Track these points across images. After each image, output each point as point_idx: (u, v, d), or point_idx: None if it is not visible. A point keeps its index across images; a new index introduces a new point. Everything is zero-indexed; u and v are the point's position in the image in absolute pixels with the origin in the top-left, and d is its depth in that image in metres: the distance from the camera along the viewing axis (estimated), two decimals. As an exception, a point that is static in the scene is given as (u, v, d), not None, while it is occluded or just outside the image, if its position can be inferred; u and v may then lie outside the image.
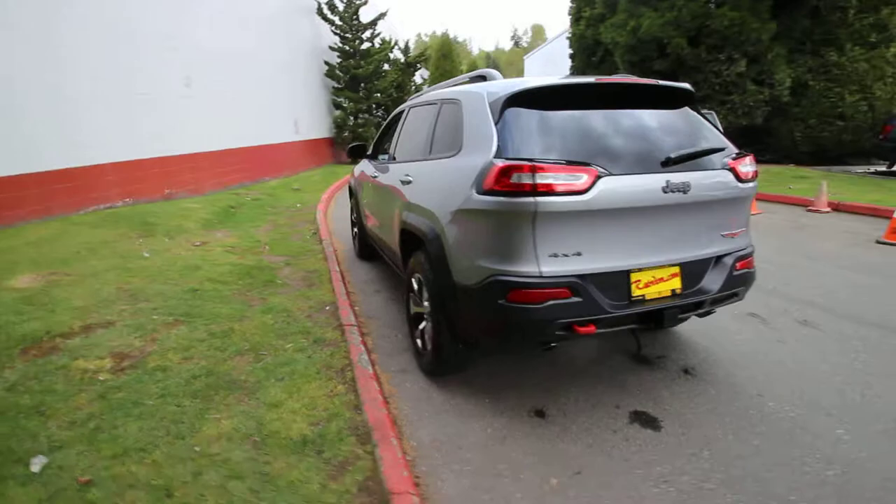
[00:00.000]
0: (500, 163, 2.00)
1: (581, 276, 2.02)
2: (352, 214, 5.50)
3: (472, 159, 2.20)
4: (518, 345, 2.59)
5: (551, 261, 1.99)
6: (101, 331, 3.05)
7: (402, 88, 19.06)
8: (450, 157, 2.45)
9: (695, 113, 2.53)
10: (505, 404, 2.50)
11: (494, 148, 2.08)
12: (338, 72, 15.06)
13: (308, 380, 2.63)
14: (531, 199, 1.93)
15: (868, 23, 10.07)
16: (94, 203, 6.75)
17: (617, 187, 2.01)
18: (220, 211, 7.50)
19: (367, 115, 15.75)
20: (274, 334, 3.18)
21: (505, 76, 2.70)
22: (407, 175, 2.95)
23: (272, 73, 12.06)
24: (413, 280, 2.84)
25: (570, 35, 15.29)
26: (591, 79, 2.27)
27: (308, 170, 13.89)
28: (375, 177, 3.85)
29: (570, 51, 12.81)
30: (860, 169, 10.77)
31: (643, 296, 2.16)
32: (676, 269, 2.24)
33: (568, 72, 11.78)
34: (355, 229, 5.38)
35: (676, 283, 2.25)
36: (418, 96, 3.90)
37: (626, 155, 2.13)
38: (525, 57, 37.65)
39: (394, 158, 3.59)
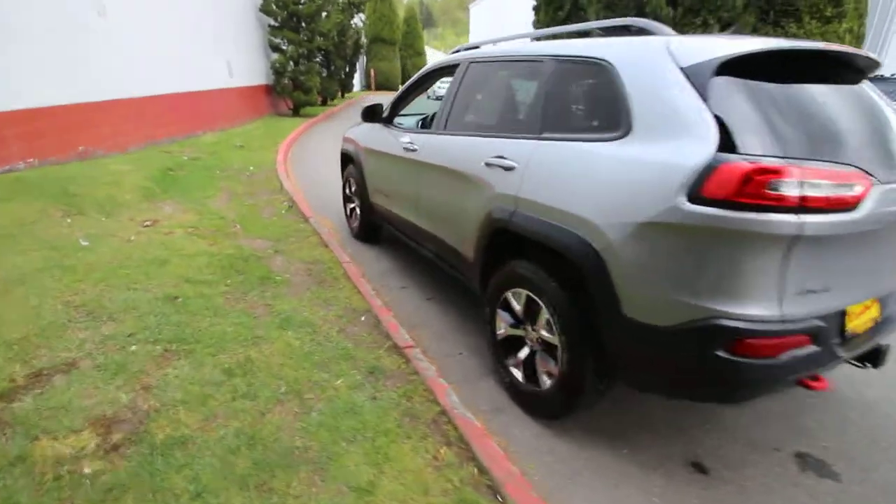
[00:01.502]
0: (742, 162, 1.39)
1: (824, 318, 1.52)
2: (345, 188, 4.59)
3: (665, 150, 1.56)
4: (725, 401, 2.02)
5: (797, 300, 1.46)
6: (60, 379, 2.08)
7: (344, 33, 17.18)
8: (605, 141, 1.77)
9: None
10: (649, 455, 2.01)
11: (714, 137, 1.46)
12: (274, 6, 13.01)
13: (392, 439, 1.94)
14: (794, 217, 1.36)
15: (824, -5, 10.33)
16: (-17, 165, 5.13)
17: (888, 198, 1.50)
18: (158, 175, 6.11)
19: (307, 62, 13.96)
20: (309, 363, 2.41)
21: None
22: (501, 157, 2.22)
23: (201, 5, 10.04)
24: (512, 297, 2.20)
25: (530, -15, 14.38)
26: (818, 44, 1.69)
27: (246, 122, 12.12)
28: (411, 149, 3.04)
29: (535, 2, 11.96)
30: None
31: (854, 330, 1.72)
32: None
33: (531, 28, 11.02)
34: (351, 205, 4.51)
35: (875, 312, 1.83)
36: (464, 50, 3.08)
37: (875, 152, 1.61)
38: (470, 5, 35.63)
39: (445, 128, 2.80)
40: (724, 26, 10.21)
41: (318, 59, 15.13)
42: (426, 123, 3.87)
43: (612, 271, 1.67)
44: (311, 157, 8.79)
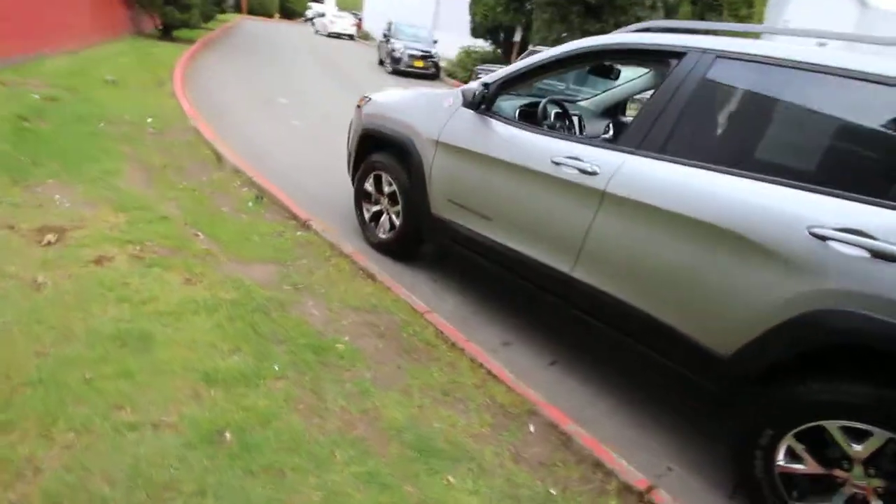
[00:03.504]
0: None
1: None
2: (362, 182, 3.29)
3: None
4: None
5: None
6: None
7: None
8: None
9: None
10: None
11: None
12: None
13: None
14: None
15: (739, -4, 11.14)
16: None
17: None
18: (9, 131, 3.85)
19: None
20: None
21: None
22: (866, 235, 1.43)
23: None
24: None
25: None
26: None
27: (100, 44, 8.86)
28: (585, 171, 2.03)
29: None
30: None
31: None
32: None
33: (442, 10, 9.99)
34: (374, 208, 3.27)
35: None
36: (662, 32, 2.12)
37: None
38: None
39: (676, 153, 1.85)
40: (668, 13, 10.38)
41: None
42: (548, 116, 2.74)
43: None
44: (226, 105, 6.68)
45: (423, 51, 13.24)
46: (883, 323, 1.41)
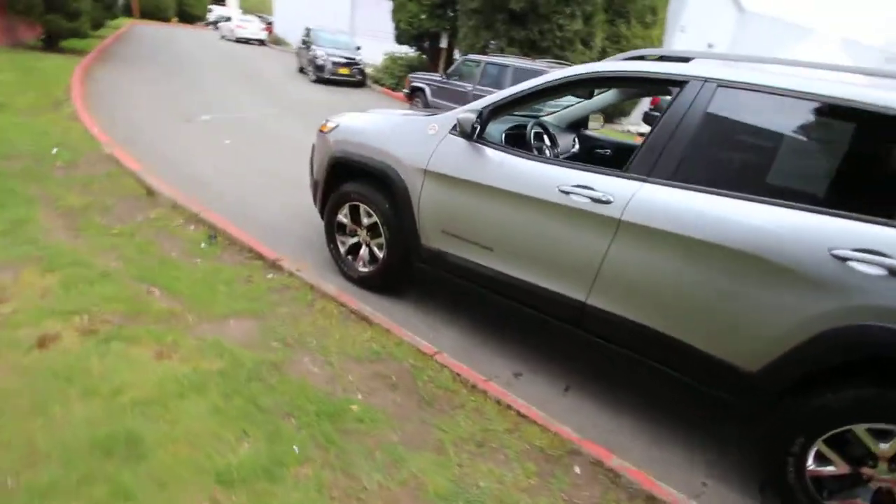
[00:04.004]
0: None
1: None
2: (334, 213, 3.05)
3: None
4: None
5: None
6: None
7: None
8: None
9: None
10: None
11: None
12: None
13: None
14: None
15: (645, 4, 11.98)
16: None
17: None
18: None
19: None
20: None
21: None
22: (882, 254, 1.53)
23: None
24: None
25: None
26: None
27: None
28: (598, 200, 2.00)
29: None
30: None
31: None
32: None
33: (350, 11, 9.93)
34: (350, 241, 3.05)
35: None
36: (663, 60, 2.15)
37: None
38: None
39: (686, 180, 1.87)
40: (585, 20, 10.88)
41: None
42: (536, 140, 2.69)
43: None
44: (141, 126, 5.98)
45: (347, 58, 12.81)
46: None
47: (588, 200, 2.05)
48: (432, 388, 2.19)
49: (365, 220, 2.93)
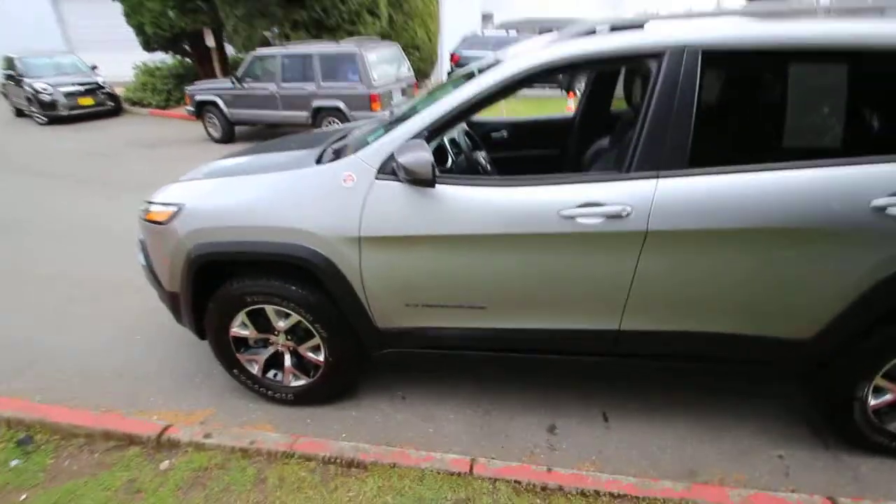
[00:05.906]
0: None
1: None
2: (221, 327, 2.09)
3: None
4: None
5: None
6: None
7: None
8: None
9: None
10: None
11: None
12: None
13: None
14: None
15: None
16: None
17: None
18: None
19: None
20: None
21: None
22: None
23: None
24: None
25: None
26: None
27: None
28: (615, 215, 1.58)
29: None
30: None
31: None
32: None
33: None
34: (264, 354, 2.19)
35: None
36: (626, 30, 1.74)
37: None
38: None
39: (702, 164, 1.58)
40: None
41: None
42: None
43: None
44: None
45: (85, 83, 9.89)
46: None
47: (601, 220, 1.64)
48: (501, 518, 1.63)
49: (280, 324, 2.07)
